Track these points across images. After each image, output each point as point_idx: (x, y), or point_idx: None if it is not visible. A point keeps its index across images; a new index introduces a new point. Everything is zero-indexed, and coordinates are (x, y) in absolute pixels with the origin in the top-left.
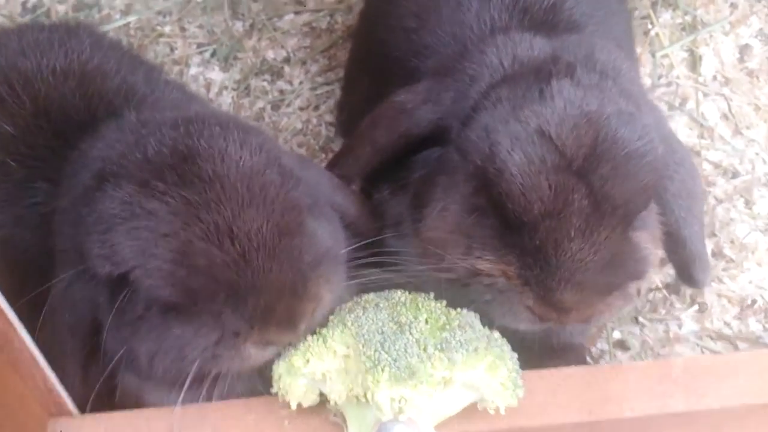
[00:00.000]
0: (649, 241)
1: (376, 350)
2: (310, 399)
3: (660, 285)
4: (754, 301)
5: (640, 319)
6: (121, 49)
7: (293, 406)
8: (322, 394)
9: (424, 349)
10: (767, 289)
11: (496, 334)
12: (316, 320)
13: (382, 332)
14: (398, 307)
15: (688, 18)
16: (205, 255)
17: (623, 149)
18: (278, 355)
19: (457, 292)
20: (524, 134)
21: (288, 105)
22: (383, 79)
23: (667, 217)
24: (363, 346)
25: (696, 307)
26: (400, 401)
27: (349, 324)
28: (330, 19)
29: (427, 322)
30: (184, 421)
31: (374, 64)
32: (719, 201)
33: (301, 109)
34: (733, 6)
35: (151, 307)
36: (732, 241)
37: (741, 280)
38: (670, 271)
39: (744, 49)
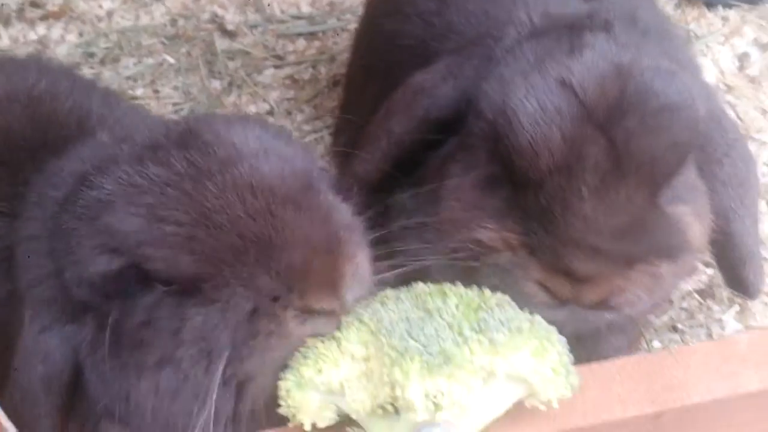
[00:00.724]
0: (690, 215)
1: (402, 338)
2: (326, 418)
3: (692, 291)
4: None
5: (679, 326)
6: (73, 75)
7: (307, 427)
8: (339, 411)
9: (459, 333)
10: None
11: (538, 317)
12: (356, 294)
13: (408, 320)
14: (422, 296)
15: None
16: (225, 211)
17: (654, 101)
18: (285, 368)
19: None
20: (542, 83)
21: None
22: (395, 77)
23: (715, 208)
24: (385, 338)
25: (737, 307)
26: (435, 396)
27: (366, 319)
28: (313, 70)
29: (458, 306)
30: None
31: (384, 63)
32: None
33: None
34: (725, 19)
35: (161, 302)
36: (762, 240)
37: None
38: (701, 277)
39: (743, 57)
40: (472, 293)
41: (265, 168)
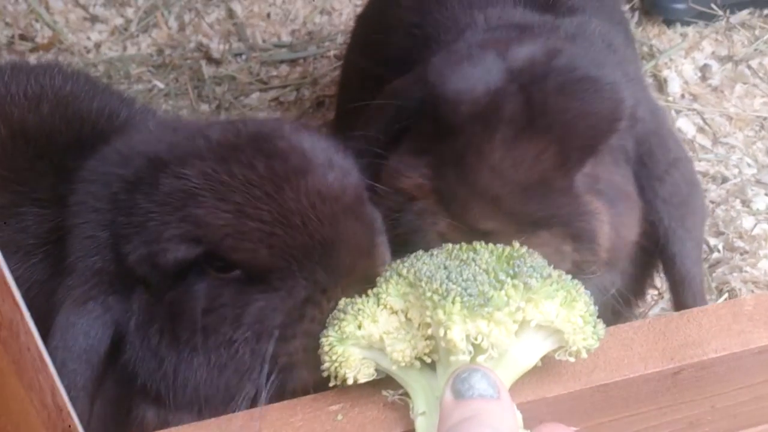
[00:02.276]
0: (604, 212)
1: (442, 283)
2: (367, 373)
3: None
4: None
5: None
6: (92, 79)
7: (350, 381)
8: (378, 368)
9: (495, 278)
10: None
11: (561, 272)
12: None
13: (446, 267)
14: (454, 251)
15: (645, 48)
16: (300, 214)
17: (578, 73)
18: (326, 326)
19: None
20: (479, 53)
21: None
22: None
23: (656, 228)
24: (426, 284)
25: (726, 295)
26: (476, 338)
27: (404, 272)
28: (297, 93)
29: (491, 255)
30: None
31: (371, 78)
32: (717, 204)
33: None
34: (684, 35)
35: (223, 289)
36: (741, 235)
37: (762, 266)
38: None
39: (704, 69)
40: (501, 246)
41: (330, 178)
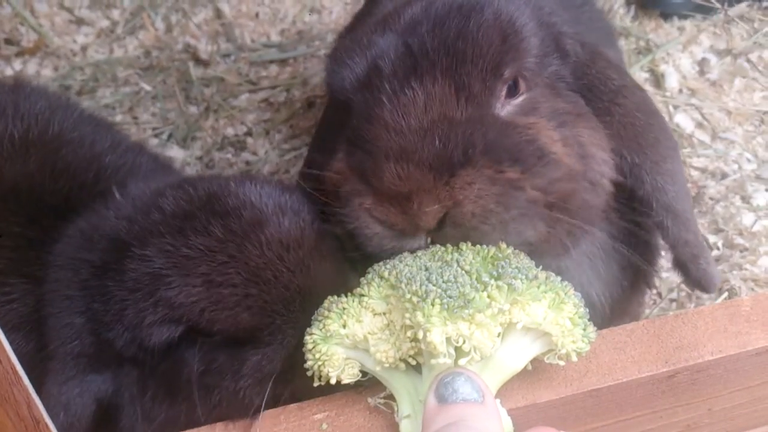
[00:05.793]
0: (544, 126)
1: (422, 284)
2: (351, 374)
3: (681, 282)
4: None
5: None
6: (78, 111)
7: (332, 380)
8: (362, 369)
9: (478, 279)
10: None
11: (549, 273)
12: None
13: (427, 269)
14: (439, 252)
15: (641, 43)
16: (269, 268)
17: (451, 6)
18: (311, 323)
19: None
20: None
21: (257, 172)
22: None
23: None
24: (406, 285)
25: (725, 294)
26: (457, 341)
27: (386, 275)
28: (287, 93)
29: (475, 256)
30: None
31: None
32: (716, 200)
33: (272, 173)
34: (681, 29)
35: (217, 351)
36: (740, 232)
37: (762, 263)
38: None
39: (702, 63)
40: (487, 247)
41: (287, 224)
